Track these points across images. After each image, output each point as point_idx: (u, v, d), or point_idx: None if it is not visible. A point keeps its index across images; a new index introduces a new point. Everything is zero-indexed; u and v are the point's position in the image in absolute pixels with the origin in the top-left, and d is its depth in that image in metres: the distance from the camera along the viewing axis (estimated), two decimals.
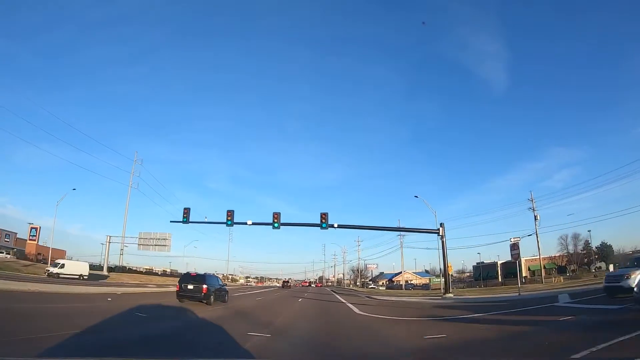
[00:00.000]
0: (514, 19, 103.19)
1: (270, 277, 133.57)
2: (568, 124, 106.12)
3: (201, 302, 16.46)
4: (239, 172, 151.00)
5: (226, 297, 19.28)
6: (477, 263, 77.08)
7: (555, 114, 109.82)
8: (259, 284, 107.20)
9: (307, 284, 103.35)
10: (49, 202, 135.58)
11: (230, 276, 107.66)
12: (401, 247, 68.30)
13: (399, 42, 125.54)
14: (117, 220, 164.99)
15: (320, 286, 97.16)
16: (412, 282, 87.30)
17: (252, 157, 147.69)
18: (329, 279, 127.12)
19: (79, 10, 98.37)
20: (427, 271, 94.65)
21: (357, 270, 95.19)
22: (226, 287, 20.82)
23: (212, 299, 17.11)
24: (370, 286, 77.75)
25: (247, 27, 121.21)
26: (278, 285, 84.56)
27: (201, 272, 20.54)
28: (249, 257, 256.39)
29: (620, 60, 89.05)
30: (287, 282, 77.75)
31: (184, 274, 20.04)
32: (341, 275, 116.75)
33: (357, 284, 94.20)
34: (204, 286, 16.69)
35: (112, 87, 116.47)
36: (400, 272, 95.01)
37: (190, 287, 16.74)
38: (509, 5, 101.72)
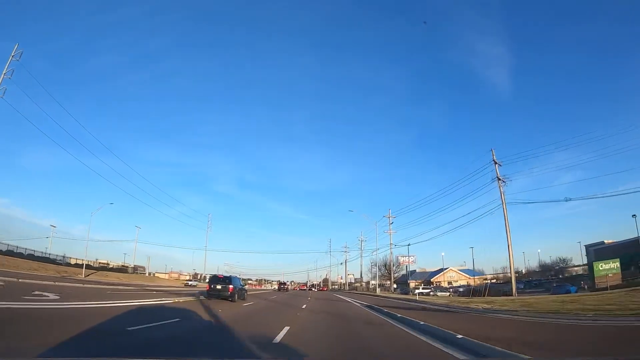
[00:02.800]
0: (517, 25, 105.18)
1: (272, 279, 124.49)
2: (569, 129, 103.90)
3: (227, 299, 19.65)
4: (245, 176, 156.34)
5: (245, 295, 23.17)
6: (619, 241, 46.88)
7: (557, 117, 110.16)
8: (257, 287, 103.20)
9: (306, 288, 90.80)
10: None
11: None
12: (503, 202, 31.96)
13: (403, 47, 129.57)
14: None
15: (325, 290, 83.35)
16: (457, 282, 67.91)
17: (259, 160, 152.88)
18: (336, 280, 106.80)
19: (85, 17, 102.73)
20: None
21: (388, 265, 65.58)
22: (245, 287, 24.75)
23: (236, 297, 20.85)
24: (418, 291, 45.87)
25: (252, 33, 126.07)
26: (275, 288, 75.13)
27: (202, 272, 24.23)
28: (244, 258, 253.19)
29: (621, 70, 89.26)
30: (284, 284, 67.48)
31: (212, 275, 23.23)
32: (352, 276, 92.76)
33: (372, 285, 69.78)
34: (231, 286, 20.01)
35: (119, 92, 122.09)
36: (445, 269, 75.91)
37: (218, 287, 20.12)
38: (512, 11, 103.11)
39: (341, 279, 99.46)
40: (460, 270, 76.15)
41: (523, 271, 68.51)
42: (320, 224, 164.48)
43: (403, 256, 56.26)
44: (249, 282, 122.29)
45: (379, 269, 72.69)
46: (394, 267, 65.11)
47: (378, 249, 75.33)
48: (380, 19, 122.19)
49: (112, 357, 5.21)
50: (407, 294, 48.84)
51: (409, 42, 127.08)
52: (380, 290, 58.82)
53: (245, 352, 6.54)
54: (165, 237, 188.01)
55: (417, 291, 46.98)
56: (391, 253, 56.08)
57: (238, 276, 24.28)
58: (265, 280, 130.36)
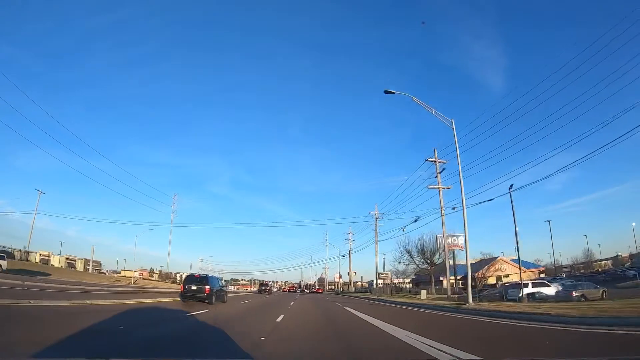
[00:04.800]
0: (513, 26, 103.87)
1: (267, 279, 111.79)
2: (565, 128, 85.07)
3: (203, 301, 18.09)
4: (240, 177, 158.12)
5: (225, 298, 20.63)
6: None
7: (553, 119, 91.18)
8: (248, 287, 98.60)
9: (294, 289, 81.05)
10: None
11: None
12: None
13: (400, 47, 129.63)
14: None
15: (321, 292, 71.28)
16: (510, 277, 44.76)
17: (254, 161, 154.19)
18: (332, 280, 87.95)
19: (81, 19, 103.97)
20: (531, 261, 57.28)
21: (428, 249, 41.38)
22: (226, 289, 21.97)
23: (214, 299, 18.32)
24: (527, 291, 23.48)
25: (248, 36, 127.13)
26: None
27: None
28: (233, 257, 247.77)
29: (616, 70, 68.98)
30: (266, 285, 57.15)
31: (188, 275, 22.00)
32: (355, 274, 70.09)
33: (380, 284, 48.41)
34: (207, 287, 18.45)
35: (114, 91, 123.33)
36: (493, 259, 49.98)
37: (194, 287, 18.64)
38: (507, 13, 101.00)
39: (340, 277, 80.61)
40: (512, 260, 61.82)
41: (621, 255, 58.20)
42: (317, 225, 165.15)
43: (451, 236, 33.47)
44: (241, 282, 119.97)
45: (412, 257, 43.74)
46: (448, 252, 34.42)
47: (422, 216, 36.79)
48: (376, 22, 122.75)
49: (112, 357, 5.24)
50: (516, 300, 23.14)
51: (404, 45, 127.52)
52: (432, 295, 33.54)
53: None
54: (149, 238, 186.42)
55: (525, 291, 23.40)
56: (443, 224, 30.23)
57: (218, 275, 21.63)
58: (254, 280, 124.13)
